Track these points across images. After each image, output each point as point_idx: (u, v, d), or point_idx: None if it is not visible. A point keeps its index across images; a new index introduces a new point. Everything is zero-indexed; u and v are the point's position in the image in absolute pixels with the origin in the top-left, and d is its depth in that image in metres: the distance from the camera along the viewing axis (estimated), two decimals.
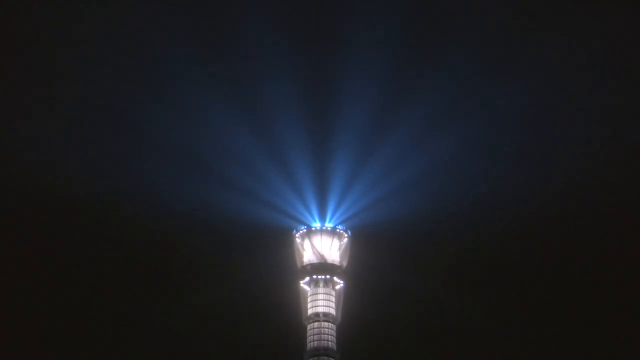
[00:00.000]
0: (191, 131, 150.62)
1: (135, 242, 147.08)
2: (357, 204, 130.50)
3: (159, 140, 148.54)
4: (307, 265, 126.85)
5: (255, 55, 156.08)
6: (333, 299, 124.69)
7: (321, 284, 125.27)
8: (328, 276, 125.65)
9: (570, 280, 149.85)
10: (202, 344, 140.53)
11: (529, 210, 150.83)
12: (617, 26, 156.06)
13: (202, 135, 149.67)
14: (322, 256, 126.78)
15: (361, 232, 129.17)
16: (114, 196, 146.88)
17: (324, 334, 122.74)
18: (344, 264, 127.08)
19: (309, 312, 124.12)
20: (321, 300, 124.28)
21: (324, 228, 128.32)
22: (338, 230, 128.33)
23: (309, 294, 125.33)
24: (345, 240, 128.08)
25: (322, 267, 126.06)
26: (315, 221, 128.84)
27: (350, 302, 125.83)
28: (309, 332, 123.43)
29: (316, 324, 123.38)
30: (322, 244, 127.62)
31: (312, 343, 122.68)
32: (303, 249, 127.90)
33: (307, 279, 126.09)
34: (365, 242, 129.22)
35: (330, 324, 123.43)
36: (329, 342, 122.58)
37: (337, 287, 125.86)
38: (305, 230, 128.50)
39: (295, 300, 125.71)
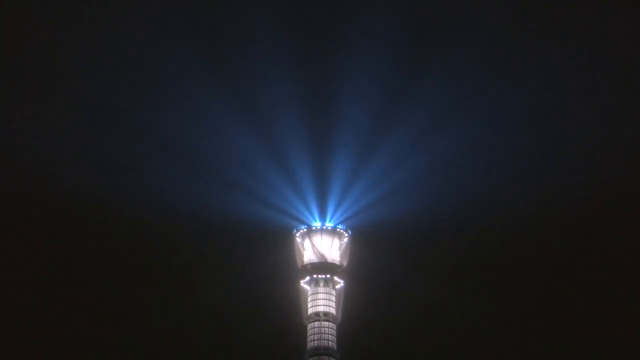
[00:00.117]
0: (191, 131, 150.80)
1: (135, 242, 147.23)
2: (357, 204, 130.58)
3: (159, 140, 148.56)
4: (307, 264, 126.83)
5: (255, 55, 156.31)
6: (333, 298, 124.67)
7: (321, 284, 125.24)
8: (328, 276, 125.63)
9: (570, 280, 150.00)
10: (202, 344, 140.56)
11: (529, 210, 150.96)
12: (617, 26, 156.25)
13: (202, 135, 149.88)
14: (322, 256, 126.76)
15: (361, 232, 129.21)
16: (114, 196, 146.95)
17: (325, 333, 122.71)
18: (344, 263, 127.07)
19: (309, 311, 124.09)
20: (321, 300, 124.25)
21: (324, 227, 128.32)
22: (338, 229, 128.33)
23: (309, 293, 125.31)
24: (346, 239, 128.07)
25: (323, 267, 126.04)
26: (315, 221, 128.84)
27: (350, 301, 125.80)
28: (309, 332, 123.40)
29: (316, 323, 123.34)
30: (322, 243, 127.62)
31: (312, 342, 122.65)
32: (303, 248, 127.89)
33: (307, 278, 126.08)
34: (366, 242, 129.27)
35: (330, 323, 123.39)
36: (329, 342, 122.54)
37: (338, 286, 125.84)
38: (305, 230, 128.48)
39: (295, 300, 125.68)
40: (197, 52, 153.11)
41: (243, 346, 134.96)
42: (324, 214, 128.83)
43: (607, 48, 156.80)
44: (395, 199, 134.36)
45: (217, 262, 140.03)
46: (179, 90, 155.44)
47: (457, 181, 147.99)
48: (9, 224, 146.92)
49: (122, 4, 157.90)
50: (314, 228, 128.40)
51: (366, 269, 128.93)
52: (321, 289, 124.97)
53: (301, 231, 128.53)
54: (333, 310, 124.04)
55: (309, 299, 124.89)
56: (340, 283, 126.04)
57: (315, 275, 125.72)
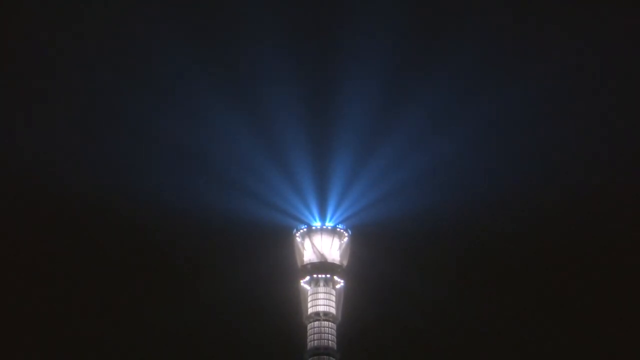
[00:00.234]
0: (191, 131, 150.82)
1: (136, 242, 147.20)
2: (357, 204, 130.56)
3: (159, 140, 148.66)
4: (307, 264, 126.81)
5: (255, 55, 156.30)
6: (333, 298, 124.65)
7: (321, 283, 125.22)
8: (328, 275, 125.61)
9: (570, 280, 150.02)
10: (202, 344, 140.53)
11: (529, 210, 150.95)
12: (617, 26, 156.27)
13: (202, 135, 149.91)
14: (322, 255, 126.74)
15: (361, 232, 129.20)
16: (114, 196, 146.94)
17: (325, 333, 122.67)
18: (345, 263, 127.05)
19: (309, 311, 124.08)
20: (321, 300, 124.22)
21: (324, 227, 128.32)
22: (338, 229, 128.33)
23: (309, 293, 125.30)
24: (346, 239, 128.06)
25: (323, 266, 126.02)
26: (315, 220, 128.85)
27: (350, 301, 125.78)
28: (309, 332, 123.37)
29: (316, 323, 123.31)
30: (322, 243, 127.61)
31: (312, 342, 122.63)
32: (303, 248, 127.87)
33: (307, 278, 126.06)
34: (366, 242, 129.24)
35: (330, 323, 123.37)
36: (329, 342, 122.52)
37: (338, 286, 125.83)
38: (305, 230, 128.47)
39: (295, 300, 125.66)
40: (197, 52, 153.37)
41: (243, 346, 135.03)
42: (324, 213, 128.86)
43: (607, 48, 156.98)
44: (395, 199, 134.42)
45: (217, 262, 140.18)
46: (179, 90, 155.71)
47: (457, 181, 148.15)
48: (9, 224, 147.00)
49: (122, 4, 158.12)
50: (314, 228, 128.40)
51: (366, 269, 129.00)
52: (321, 288, 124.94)
53: (301, 231, 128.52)
54: (333, 310, 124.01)
55: (309, 298, 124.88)
56: (340, 283, 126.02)
57: (315, 275, 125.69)
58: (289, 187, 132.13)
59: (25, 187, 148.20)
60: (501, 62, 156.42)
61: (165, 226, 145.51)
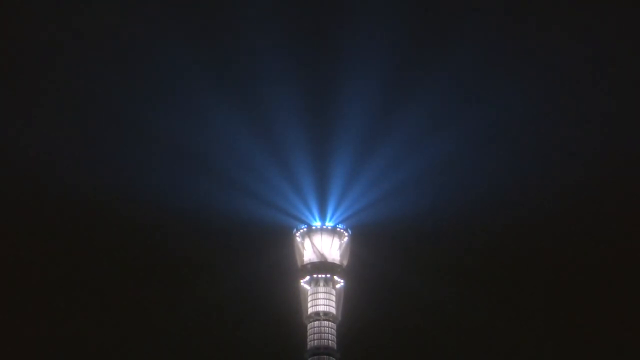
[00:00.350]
0: (191, 131, 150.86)
1: (135, 241, 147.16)
2: (357, 203, 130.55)
3: (159, 140, 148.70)
4: (307, 264, 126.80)
5: (255, 55, 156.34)
6: (333, 298, 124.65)
7: (321, 283, 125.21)
8: (328, 275, 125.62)
9: (570, 280, 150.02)
10: (202, 344, 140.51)
11: (529, 210, 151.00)
12: (617, 26, 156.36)
13: (202, 134, 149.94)
14: (322, 255, 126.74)
15: (361, 231, 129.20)
16: (114, 196, 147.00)
17: (325, 332, 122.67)
18: (345, 262, 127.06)
19: (310, 311, 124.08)
20: (321, 299, 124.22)
21: (324, 227, 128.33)
22: (338, 229, 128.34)
23: (309, 293, 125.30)
24: (346, 239, 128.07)
25: (323, 266, 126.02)
26: (315, 220, 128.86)
27: (350, 301, 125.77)
28: (309, 331, 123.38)
29: (316, 322, 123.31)
30: (322, 242, 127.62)
31: (312, 342, 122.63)
32: (303, 247, 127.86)
33: (307, 277, 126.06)
34: (366, 241, 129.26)
35: (330, 322, 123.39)
36: (330, 341, 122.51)
37: (338, 286, 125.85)
38: (305, 229, 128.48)
39: (295, 299, 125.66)
40: (197, 52, 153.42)
41: (243, 346, 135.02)
42: (324, 213, 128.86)
43: (607, 48, 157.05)
44: (396, 198, 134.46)
45: (217, 262, 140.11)
46: (179, 90, 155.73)
47: (457, 181, 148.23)
48: (9, 224, 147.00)
49: (122, 4, 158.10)
50: (314, 227, 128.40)
51: (366, 269, 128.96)
52: (321, 288, 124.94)
53: (301, 230, 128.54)
54: (333, 310, 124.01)
55: (309, 298, 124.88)
56: (340, 282, 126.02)
57: (315, 275, 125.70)
58: (289, 186, 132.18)
59: (25, 187, 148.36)
60: (501, 62, 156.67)
61: (166, 226, 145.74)
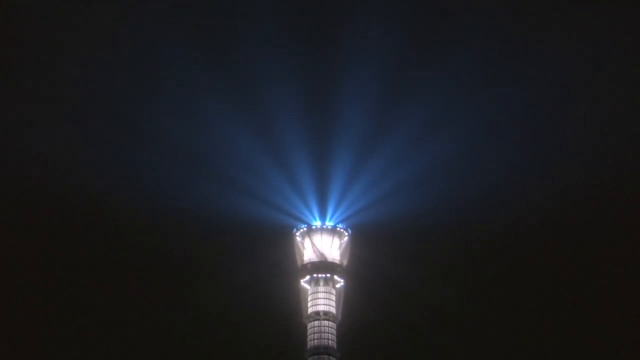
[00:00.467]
0: (191, 131, 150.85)
1: (135, 242, 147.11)
2: (357, 203, 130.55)
3: (160, 140, 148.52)
4: (307, 263, 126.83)
5: (255, 55, 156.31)
6: (333, 297, 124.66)
7: (321, 283, 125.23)
8: (328, 275, 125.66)
9: (570, 280, 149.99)
10: (202, 344, 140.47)
11: (529, 210, 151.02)
12: (617, 26, 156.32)
13: (202, 135, 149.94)
14: (322, 255, 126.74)
15: (361, 231, 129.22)
16: (114, 196, 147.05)
17: (325, 332, 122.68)
18: (345, 262, 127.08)
19: (310, 310, 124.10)
20: (321, 299, 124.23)
21: (324, 227, 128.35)
22: (338, 228, 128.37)
23: (309, 292, 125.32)
24: (346, 238, 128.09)
25: (323, 266, 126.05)
26: (315, 220, 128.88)
27: (350, 300, 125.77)
28: (309, 331, 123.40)
29: (316, 322, 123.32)
30: (322, 242, 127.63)
31: (312, 342, 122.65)
32: (303, 247, 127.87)
33: (307, 277, 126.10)
34: (366, 241, 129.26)
35: (330, 322, 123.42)
36: (330, 341, 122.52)
37: (338, 285, 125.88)
38: (305, 229, 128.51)
39: (295, 299, 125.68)
40: (197, 51, 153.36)
41: (243, 346, 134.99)
42: (324, 213, 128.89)
43: (607, 48, 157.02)
44: (396, 198, 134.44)
45: (217, 262, 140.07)
46: (179, 90, 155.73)
47: (457, 181, 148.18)
48: (9, 224, 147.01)
49: (122, 4, 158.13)
50: (314, 227, 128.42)
51: (366, 268, 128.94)
52: (321, 288, 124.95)
53: (301, 230, 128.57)
54: (333, 310, 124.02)
55: (309, 298, 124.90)
56: (340, 282, 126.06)
57: (315, 275, 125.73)
58: (289, 186, 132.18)
59: (25, 187, 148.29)
60: (501, 62, 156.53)
61: (166, 226, 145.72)
